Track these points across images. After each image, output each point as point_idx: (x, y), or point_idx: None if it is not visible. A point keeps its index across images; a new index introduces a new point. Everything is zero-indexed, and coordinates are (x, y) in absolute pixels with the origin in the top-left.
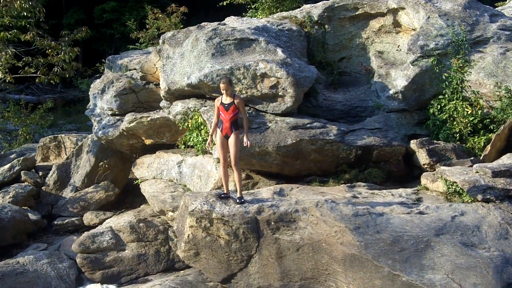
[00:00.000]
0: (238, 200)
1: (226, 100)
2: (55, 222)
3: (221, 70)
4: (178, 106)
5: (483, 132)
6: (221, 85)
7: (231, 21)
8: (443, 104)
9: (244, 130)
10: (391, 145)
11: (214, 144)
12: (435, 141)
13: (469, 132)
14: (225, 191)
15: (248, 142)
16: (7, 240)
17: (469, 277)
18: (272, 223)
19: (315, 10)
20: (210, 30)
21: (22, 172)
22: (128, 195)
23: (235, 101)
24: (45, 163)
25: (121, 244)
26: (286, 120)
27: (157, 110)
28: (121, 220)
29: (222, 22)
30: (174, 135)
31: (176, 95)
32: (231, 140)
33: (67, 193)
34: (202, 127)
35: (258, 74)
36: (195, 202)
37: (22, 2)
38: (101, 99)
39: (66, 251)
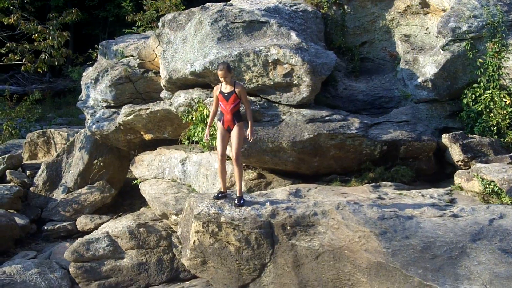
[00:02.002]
0: (236, 201)
1: (226, 88)
2: (45, 227)
3: (228, 56)
4: (181, 97)
5: None
6: (219, 73)
7: (239, 1)
8: (478, 93)
9: (248, 123)
10: (420, 140)
11: (213, 137)
12: (469, 135)
13: (507, 125)
14: (222, 190)
15: (252, 137)
16: None
17: (510, 287)
18: (288, 227)
19: None
20: (216, 12)
21: (7, 171)
22: (126, 197)
23: (236, 90)
24: (33, 161)
25: (119, 252)
26: (302, 112)
27: (157, 102)
28: (118, 225)
29: (229, 2)
30: (177, 129)
31: (178, 84)
32: (234, 132)
33: (58, 194)
34: (207, 120)
35: (270, 61)
36: (201, 204)
37: None
38: (95, 89)
39: (58, 259)
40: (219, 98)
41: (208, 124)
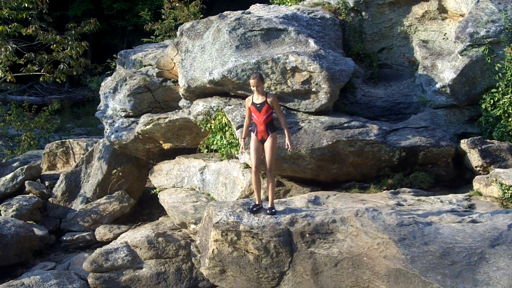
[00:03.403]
0: (269, 211)
1: (258, 99)
2: (64, 238)
3: (246, 64)
4: (199, 106)
5: None
6: (251, 81)
7: (257, 9)
8: (496, 98)
9: (285, 131)
10: (439, 146)
11: (248, 149)
12: (488, 140)
13: None
14: (257, 202)
15: (291, 147)
16: (11, 259)
17: None
18: (307, 235)
19: None
20: (234, 20)
21: (26, 182)
22: (145, 206)
23: (268, 100)
24: (52, 172)
25: (138, 262)
26: (320, 119)
27: (176, 111)
28: (137, 235)
29: (247, 10)
30: (196, 138)
31: (196, 93)
32: (268, 143)
33: (77, 205)
34: (226, 128)
35: (288, 68)
36: (220, 213)
37: None
38: (113, 99)
39: (77, 270)
40: (251, 110)
41: (243, 136)
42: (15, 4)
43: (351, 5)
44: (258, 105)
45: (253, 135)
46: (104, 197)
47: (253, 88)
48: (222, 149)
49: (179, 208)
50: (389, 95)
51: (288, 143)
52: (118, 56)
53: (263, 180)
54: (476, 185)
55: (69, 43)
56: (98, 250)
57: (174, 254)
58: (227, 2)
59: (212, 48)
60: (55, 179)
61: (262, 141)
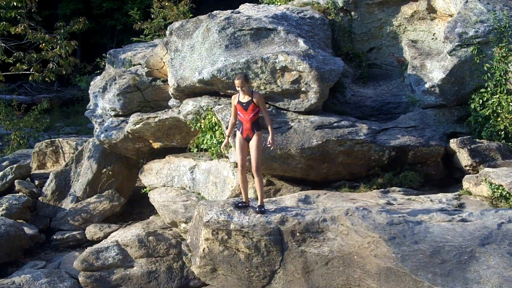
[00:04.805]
0: (258, 209)
1: (244, 98)
2: (54, 237)
3: (236, 63)
4: (189, 105)
5: None
6: (236, 82)
7: (246, 9)
8: (485, 98)
9: (269, 129)
10: (428, 145)
11: (230, 146)
12: (477, 140)
13: None
14: (243, 200)
15: (274, 145)
16: (1, 258)
17: None
18: (297, 234)
19: None
20: (223, 19)
21: (16, 181)
22: (135, 206)
23: (254, 99)
24: (42, 171)
25: (129, 260)
26: (310, 119)
27: (166, 110)
28: (128, 234)
29: (236, 10)
30: (186, 137)
31: (186, 92)
32: (253, 142)
33: (67, 204)
34: (216, 127)
35: (277, 68)
36: (210, 212)
37: None
38: (103, 98)
39: (67, 269)
40: (237, 108)
41: (227, 134)
42: (4, 2)
43: (340, 5)
44: (244, 104)
45: (238, 133)
46: (94, 196)
47: (238, 89)
48: (212, 148)
49: (169, 207)
50: (378, 95)
51: (271, 141)
52: (107, 55)
53: (251, 179)
54: (465, 184)
55: (58, 42)
56: (88, 249)
57: (165, 253)
58: (217, 2)
59: (201, 47)
60: (45, 178)
61: (247, 139)
